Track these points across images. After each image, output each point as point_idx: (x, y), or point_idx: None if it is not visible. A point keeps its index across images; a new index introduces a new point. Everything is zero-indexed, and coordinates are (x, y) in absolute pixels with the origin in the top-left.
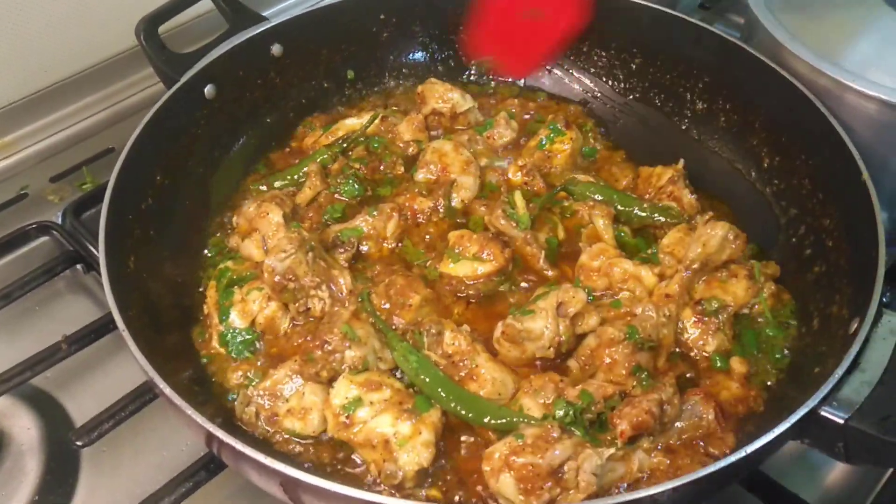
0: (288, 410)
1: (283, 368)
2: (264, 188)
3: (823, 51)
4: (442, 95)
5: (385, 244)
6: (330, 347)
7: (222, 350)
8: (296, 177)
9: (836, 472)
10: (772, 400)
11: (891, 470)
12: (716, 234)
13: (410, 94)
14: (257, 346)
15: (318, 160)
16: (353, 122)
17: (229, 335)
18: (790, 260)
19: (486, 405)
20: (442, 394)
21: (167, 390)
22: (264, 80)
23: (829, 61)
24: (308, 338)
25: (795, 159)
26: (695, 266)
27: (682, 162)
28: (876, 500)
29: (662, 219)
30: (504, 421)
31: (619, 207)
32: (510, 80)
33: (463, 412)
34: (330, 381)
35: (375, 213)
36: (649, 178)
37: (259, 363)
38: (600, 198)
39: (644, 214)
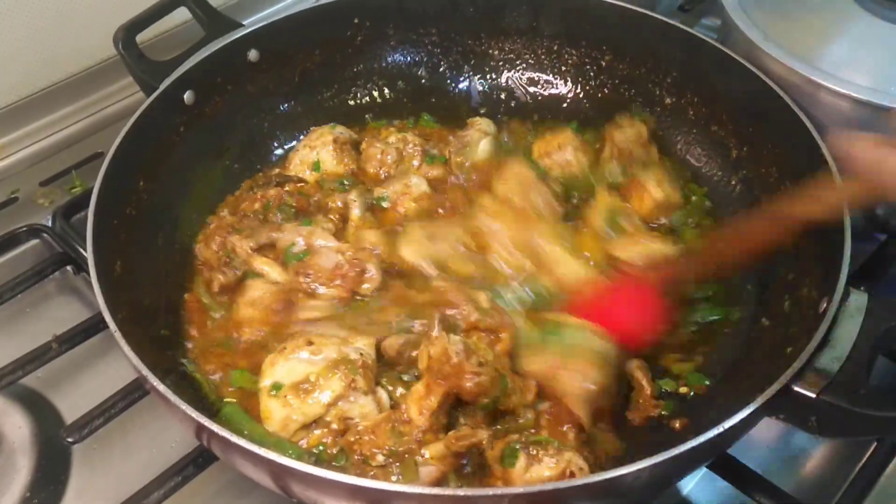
0: None
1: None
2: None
3: (798, 51)
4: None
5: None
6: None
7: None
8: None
9: (811, 462)
10: (745, 381)
11: (863, 461)
12: None
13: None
14: None
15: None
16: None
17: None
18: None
19: None
20: None
21: (159, 386)
22: (242, 86)
23: (804, 61)
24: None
25: (762, 149)
26: None
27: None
28: (849, 490)
29: None
30: None
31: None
32: None
33: None
34: None
35: None
36: None
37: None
38: None
39: None
